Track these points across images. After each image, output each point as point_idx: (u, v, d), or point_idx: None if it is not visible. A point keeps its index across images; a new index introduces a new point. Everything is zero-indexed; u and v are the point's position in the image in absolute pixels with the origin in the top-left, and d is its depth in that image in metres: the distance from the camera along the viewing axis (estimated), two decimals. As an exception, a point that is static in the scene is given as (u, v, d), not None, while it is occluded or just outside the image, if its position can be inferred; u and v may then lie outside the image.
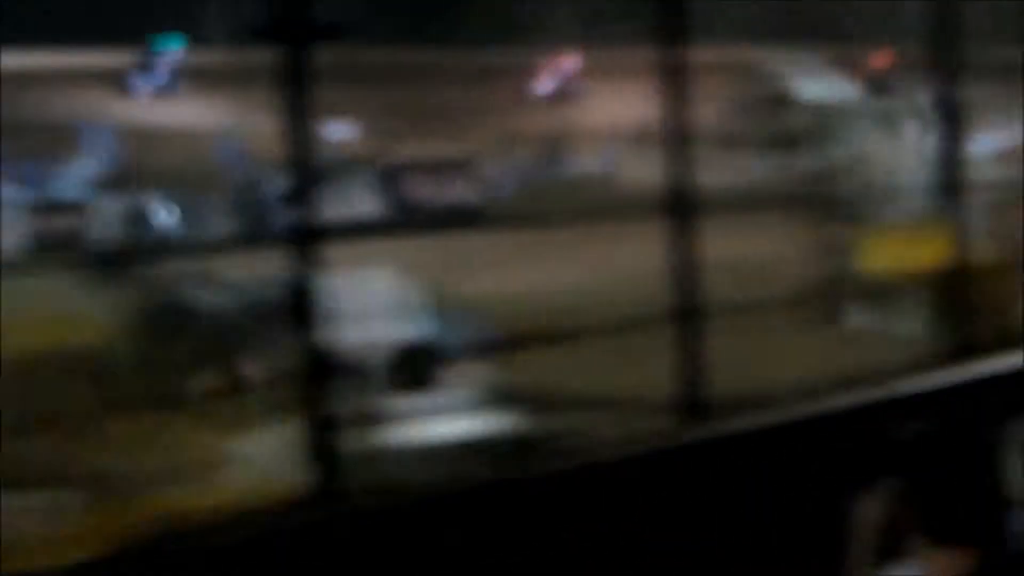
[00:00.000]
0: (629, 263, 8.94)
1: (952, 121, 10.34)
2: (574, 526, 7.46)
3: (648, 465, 8.16)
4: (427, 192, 27.71)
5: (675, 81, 8.68)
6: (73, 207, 23.78)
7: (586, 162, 31.08)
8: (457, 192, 28.05)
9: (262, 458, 7.65)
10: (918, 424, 6.08)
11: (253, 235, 20.60)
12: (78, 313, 8.40)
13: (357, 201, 22.33)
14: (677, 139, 8.88)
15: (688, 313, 8.92)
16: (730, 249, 10.01)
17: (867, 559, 6.70)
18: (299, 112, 6.93)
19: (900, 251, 12.26)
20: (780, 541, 8.43)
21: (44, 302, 8.71)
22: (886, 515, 6.60)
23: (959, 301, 11.24)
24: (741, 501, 8.40)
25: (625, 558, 7.56)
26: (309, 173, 7.16)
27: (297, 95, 6.90)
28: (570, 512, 7.46)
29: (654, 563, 7.93)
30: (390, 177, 26.15)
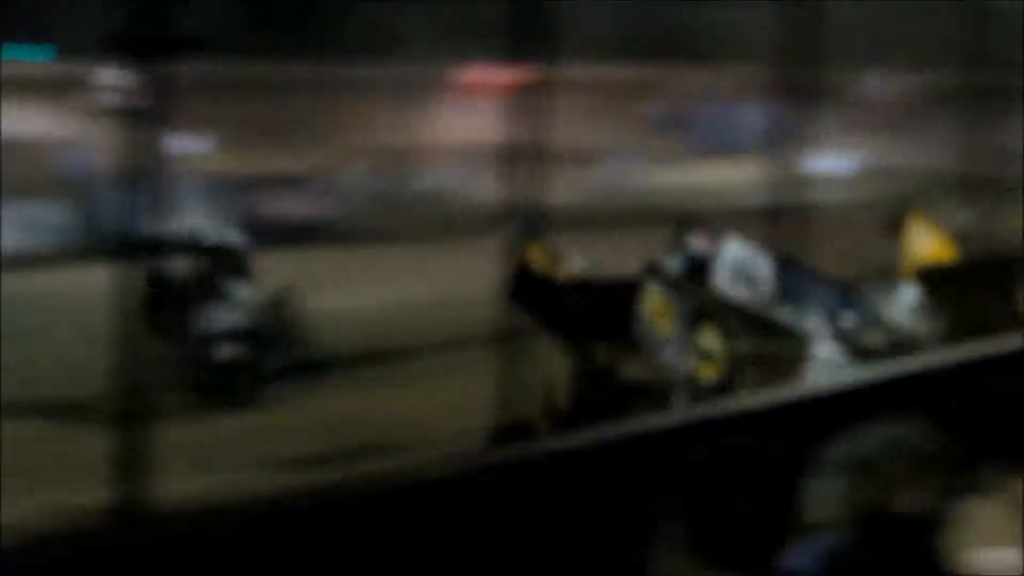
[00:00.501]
0: (474, 278, 9.05)
1: (795, 142, 10.72)
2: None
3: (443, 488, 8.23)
4: (278, 207, 28.30)
5: (531, 99, 8.57)
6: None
7: (438, 178, 31.61)
8: (308, 207, 28.64)
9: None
10: (704, 448, 6.10)
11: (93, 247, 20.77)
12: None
13: (207, 214, 22.48)
14: (530, 157, 8.61)
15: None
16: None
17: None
18: (148, 124, 7.15)
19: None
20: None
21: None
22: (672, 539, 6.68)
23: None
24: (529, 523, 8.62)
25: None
26: (156, 186, 7.33)
27: (151, 107, 7.14)
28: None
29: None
30: (241, 191, 26.62)
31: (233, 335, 13.90)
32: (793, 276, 11.86)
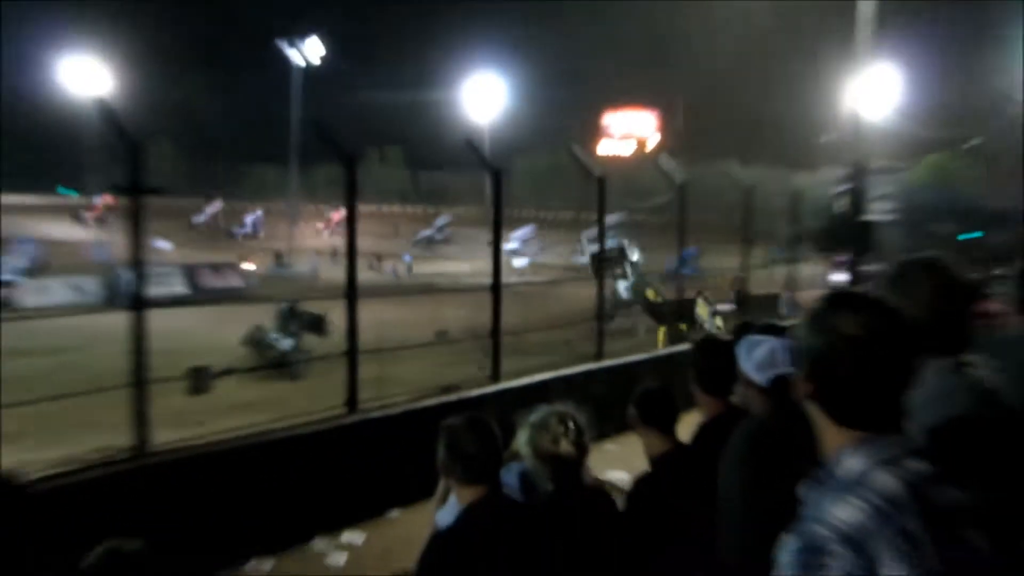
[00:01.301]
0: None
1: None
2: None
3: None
4: (211, 280, 30.07)
5: (351, 223, 8.62)
6: (8, 283, 25.90)
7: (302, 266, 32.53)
8: (228, 280, 30.38)
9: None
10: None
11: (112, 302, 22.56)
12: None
13: (175, 285, 25.00)
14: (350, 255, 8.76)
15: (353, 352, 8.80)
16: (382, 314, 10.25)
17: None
18: (137, 234, 7.09)
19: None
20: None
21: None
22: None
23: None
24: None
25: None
26: (142, 270, 7.25)
27: (137, 226, 7.05)
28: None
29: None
30: (190, 272, 27.81)
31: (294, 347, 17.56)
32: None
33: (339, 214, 40.60)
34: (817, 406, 1.92)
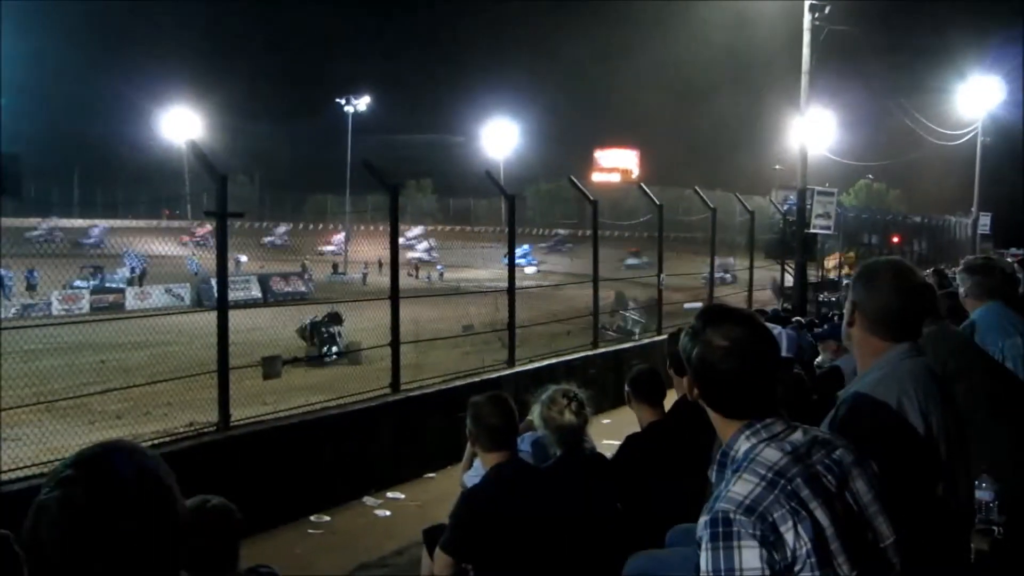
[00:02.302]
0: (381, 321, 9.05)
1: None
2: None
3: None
4: (281, 286, 29.86)
5: (394, 239, 8.59)
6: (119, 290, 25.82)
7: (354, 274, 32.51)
8: (295, 286, 30.13)
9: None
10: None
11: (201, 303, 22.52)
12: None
13: (252, 290, 24.77)
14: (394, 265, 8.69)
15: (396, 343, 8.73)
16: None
17: None
18: (222, 250, 7.06)
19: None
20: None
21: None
22: None
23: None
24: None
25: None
26: (225, 279, 7.22)
27: (222, 243, 7.04)
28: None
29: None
30: (264, 279, 27.59)
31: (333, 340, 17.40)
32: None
33: (204, 228, 39.61)
34: (705, 403, 1.90)
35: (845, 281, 20.02)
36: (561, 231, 55.84)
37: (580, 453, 3.79)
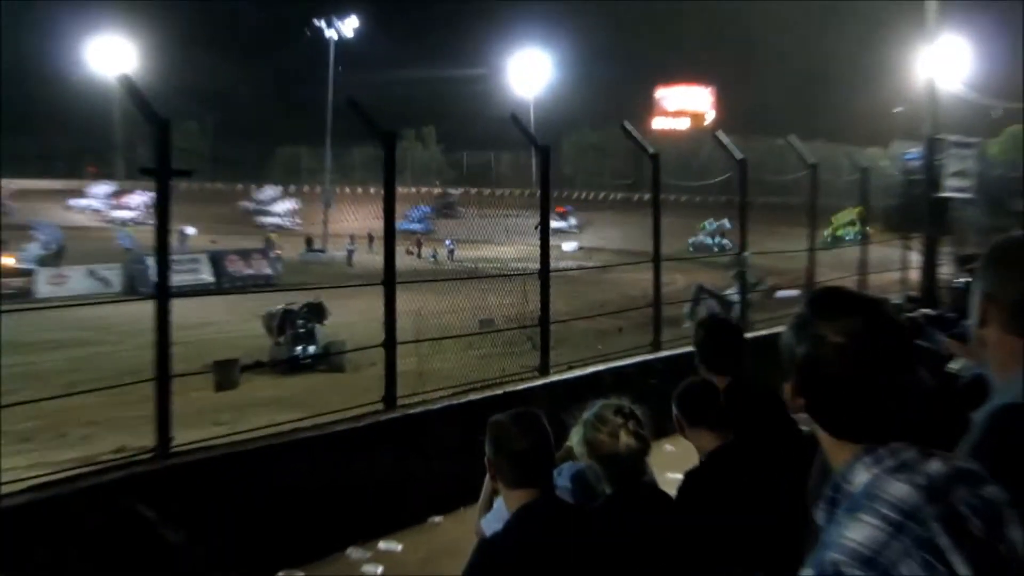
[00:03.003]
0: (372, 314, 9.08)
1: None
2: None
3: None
4: (240, 267, 30.46)
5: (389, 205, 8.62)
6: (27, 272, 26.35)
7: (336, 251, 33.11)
8: (258, 267, 30.69)
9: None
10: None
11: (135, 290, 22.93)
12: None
13: (201, 273, 25.43)
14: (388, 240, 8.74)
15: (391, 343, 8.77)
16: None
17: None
18: (163, 219, 7.08)
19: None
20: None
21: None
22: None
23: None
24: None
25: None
26: (167, 257, 7.22)
27: (163, 210, 7.05)
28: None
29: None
30: (218, 259, 28.22)
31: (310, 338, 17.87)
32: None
33: (139, 195, 39.00)
34: (812, 419, 1.87)
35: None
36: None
37: (638, 490, 3.74)
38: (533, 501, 3.34)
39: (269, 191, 53.24)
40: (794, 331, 1.88)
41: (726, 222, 46.25)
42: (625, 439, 3.67)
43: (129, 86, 7.35)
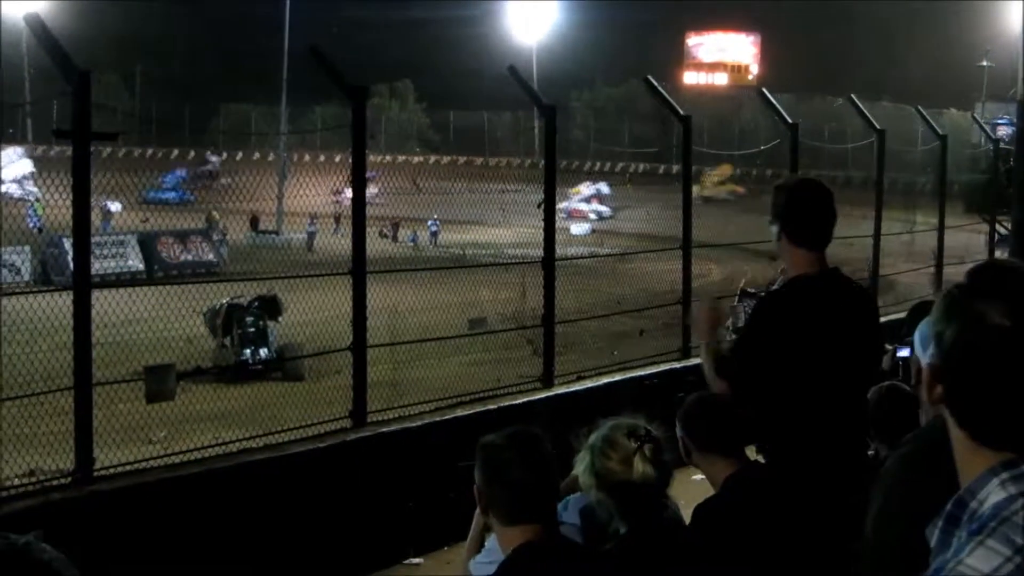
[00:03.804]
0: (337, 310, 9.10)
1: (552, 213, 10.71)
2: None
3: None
4: (176, 251, 30.50)
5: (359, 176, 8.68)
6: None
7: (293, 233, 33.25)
8: (199, 252, 30.71)
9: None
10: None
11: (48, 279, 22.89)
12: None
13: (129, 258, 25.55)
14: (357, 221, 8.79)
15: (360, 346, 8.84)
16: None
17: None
18: (82, 194, 7.09)
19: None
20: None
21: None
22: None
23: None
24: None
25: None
26: (87, 239, 7.29)
27: (82, 181, 7.06)
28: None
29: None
30: (148, 241, 28.22)
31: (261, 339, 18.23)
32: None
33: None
34: (949, 415, 1.86)
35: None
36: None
37: (658, 528, 3.76)
38: (533, 540, 3.33)
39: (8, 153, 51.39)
40: (944, 308, 1.87)
41: (604, 186, 47.13)
42: (640, 467, 3.67)
43: (40, 30, 7.28)
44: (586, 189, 46.00)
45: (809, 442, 4.20)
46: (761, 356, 4.37)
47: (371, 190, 9.68)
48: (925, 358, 3.40)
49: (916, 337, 3.44)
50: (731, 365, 4.42)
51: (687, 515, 4.18)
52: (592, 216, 41.21)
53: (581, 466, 3.79)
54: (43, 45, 7.14)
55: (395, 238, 37.06)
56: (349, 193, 8.92)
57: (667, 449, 3.80)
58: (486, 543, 3.95)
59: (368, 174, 9.24)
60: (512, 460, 3.38)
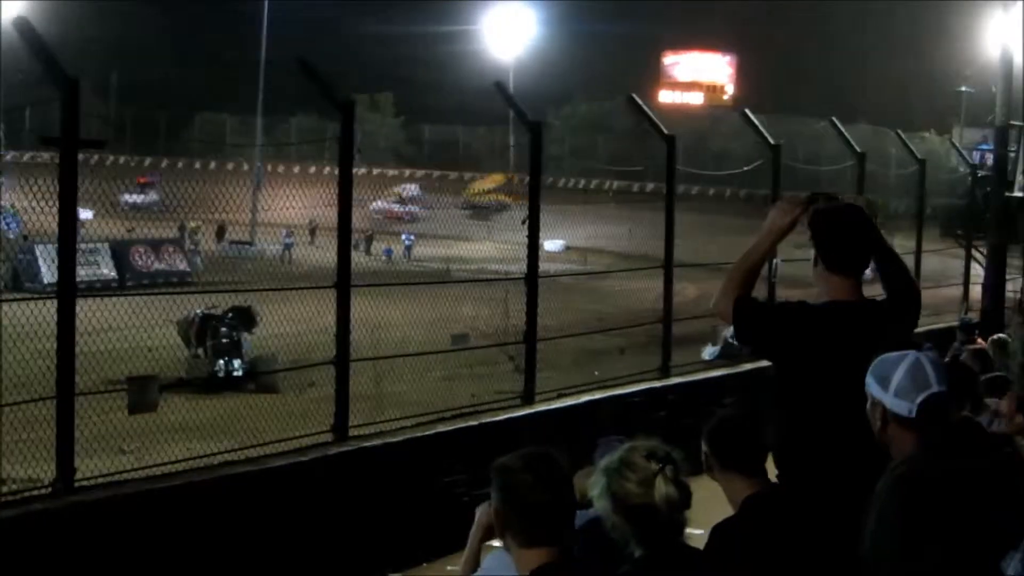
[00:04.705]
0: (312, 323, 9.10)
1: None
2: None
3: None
4: (150, 261, 30.24)
5: (345, 190, 8.69)
6: None
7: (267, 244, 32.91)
8: (173, 262, 30.47)
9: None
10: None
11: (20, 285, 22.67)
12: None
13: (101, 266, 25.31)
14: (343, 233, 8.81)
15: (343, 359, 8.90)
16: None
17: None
18: (68, 201, 7.07)
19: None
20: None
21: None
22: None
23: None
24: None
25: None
26: (73, 245, 7.27)
27: (68, 189, 7.04)
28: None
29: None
30: (121, 250, 27.92)
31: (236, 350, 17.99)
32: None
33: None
34: None
35: None
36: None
37: (678, 551, 3.72)
38: (548, 564, 3.30)
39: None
40: None
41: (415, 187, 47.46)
42: (663, 489, 3.60)
43: (29, 34, 7.22)
44: (403, 191, 46.08)
45: (828, 469, 4.15)
46: (771, 336, 4.32)
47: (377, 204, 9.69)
48: (887, 398, 3.45)
49: (871, 379, 3.53)
50: (749, 304, 4.34)
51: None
52: (406, 218, 40.99)
53: (596, 489, 3.73)
54: (32, 50, 7.06)
55: (368, 251, 36.98)
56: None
57: (683, 469, 3.70)
58: (484, 562, 3.93)
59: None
60: (531, 484, 3.34)
